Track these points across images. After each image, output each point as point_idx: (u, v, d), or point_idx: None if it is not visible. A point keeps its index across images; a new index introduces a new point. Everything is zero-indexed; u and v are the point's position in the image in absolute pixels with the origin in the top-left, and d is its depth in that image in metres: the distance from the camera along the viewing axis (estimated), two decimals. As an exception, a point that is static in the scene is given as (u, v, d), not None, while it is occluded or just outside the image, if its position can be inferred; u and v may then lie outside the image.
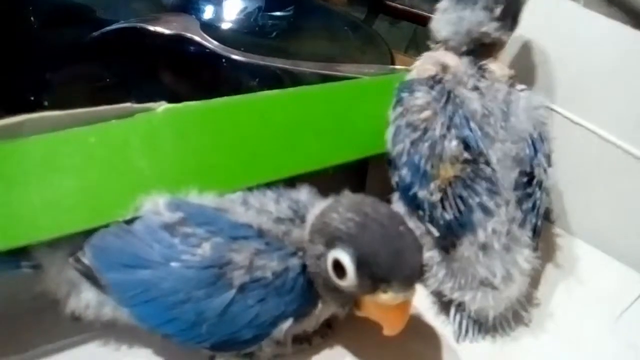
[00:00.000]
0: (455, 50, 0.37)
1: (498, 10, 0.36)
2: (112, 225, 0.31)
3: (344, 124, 0.39)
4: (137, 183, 0.32)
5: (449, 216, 0.34)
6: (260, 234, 0.30)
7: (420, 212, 0.35)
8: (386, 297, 0.28)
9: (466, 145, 0.34)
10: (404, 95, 0.36)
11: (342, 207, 0.29)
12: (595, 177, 0.43)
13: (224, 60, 0.47)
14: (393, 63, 0.48)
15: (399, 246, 0.27)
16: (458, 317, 0.36)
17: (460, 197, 0.34)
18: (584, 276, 0.42)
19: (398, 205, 0.37)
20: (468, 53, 0.37)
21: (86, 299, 0.31)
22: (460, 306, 0.36)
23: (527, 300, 0.37)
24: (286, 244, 0.30)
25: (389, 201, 0.37)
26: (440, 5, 0.38)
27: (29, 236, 0.30)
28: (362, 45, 0.51)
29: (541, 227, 0.37)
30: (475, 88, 0.36)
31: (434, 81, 0.36)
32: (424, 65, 0.38)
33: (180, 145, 0.34)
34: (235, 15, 0.53)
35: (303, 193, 0.33)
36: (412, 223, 0.35)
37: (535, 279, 0.40)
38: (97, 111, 0.33)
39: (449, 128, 0.34)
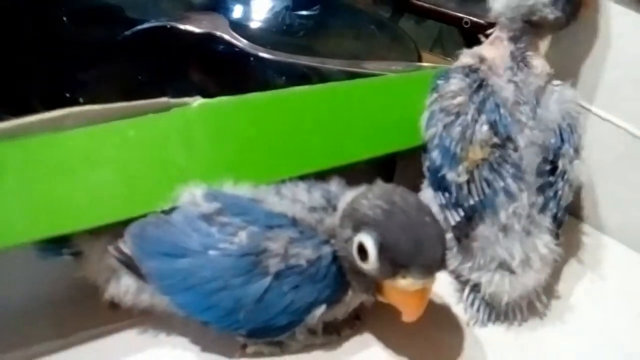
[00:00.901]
0: (508, 29, 0.38)
1: None
2: (151, 215, 0.32)
3: (372, 120, 0.39)
4: (174, 174, 0.33)
5: (473, 199, 0.35)
6: (295, 222, 0.31)
7: (447, 195, 0.36)
8: (405, 282, 0.28)
9: (496, 130, 0.35)
10: (440, 82, 0.37)
11: (372, 195, 0.30)
12: (624, 174, 0.43)
13: (252, 58, 0.47)
14: (420, 61, 0.49)
15: (422, 235, 0.28)
16: (471, 297, 0.37)
17: (486, 180, 0.35)
18: (610, 273, 0.42)
19: (427, 192, 0.38)
20: (515, 40, 0.38)
21: (125, 285, 0.32)
22: (476, 287, 0.36)
23: (546, 293, 0.37)
24: (319, 232, 0.31)
25: (417, 190, 0.38)
26: None
27: (71, 224, 0.30)
28: (389, 43, 0.52)
29: (562, 218, 0.37)
30: (510, 80, 0.37)
31: (470, 70, 0.37)
32: (464, 58, 0.39)
33: (215, 138, 0.35)
34: (264, 14, 0.53)
35: (333, 185, 0.34)
36: (437, 208, 0.36)
37: (558, 273, 0.40)
38: (135, 105, 0.33)
39: (480, 112, 0.35)
